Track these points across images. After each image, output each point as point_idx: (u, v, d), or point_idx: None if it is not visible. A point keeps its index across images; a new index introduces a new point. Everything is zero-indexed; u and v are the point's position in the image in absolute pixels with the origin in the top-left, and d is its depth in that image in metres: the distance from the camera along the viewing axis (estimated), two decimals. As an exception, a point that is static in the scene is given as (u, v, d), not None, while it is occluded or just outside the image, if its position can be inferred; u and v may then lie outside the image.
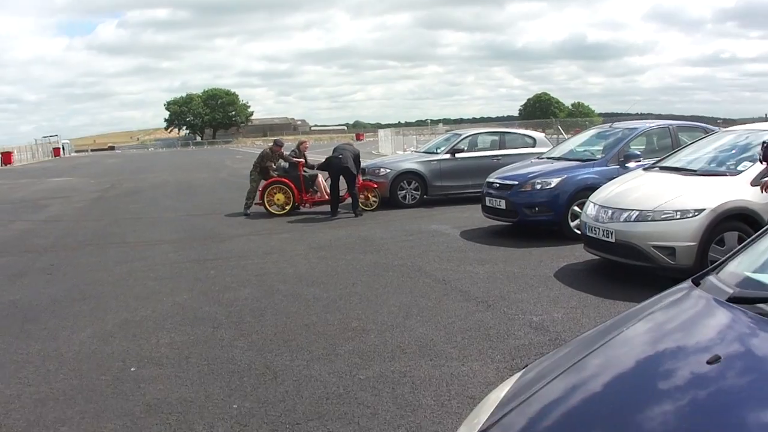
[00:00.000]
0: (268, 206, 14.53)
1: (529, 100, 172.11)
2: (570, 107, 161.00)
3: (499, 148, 15.66)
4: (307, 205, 14.86)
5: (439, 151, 15.96)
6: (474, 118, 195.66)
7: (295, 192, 14.61)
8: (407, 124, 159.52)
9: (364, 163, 15.77)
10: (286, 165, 15.01)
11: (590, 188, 10.02)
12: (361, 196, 14.59)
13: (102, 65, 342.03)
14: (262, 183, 14.90)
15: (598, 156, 10.91)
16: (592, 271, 8.19)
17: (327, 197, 14.72)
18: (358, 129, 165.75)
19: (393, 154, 26.04)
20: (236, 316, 6.63)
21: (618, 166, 10.26)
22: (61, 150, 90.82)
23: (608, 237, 7.53)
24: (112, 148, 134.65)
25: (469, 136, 16.28)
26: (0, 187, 30.23)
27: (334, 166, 13.91)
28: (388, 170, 15.25)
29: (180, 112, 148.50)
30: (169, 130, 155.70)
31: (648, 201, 7.38)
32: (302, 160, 14.97)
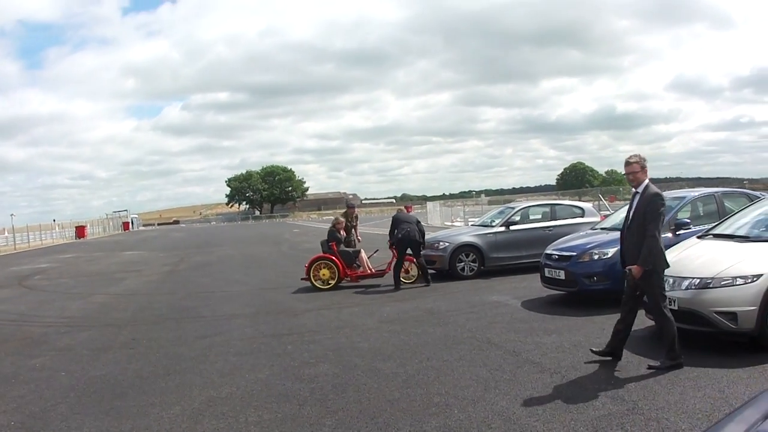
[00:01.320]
0: (314, 281, 14.47)
1: (565, 169, 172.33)
2: (604, 174, 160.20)
3: (551, 219, 15.58)
4: (349, 279, 14.76)
5: (494, 223, 15.86)
6: (514, 188, 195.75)
7: (340, 267, 14.54)
8: (451, 196, 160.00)
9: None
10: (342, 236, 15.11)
11: None
12: (402, 270, 14.44)
13: (167, 145, 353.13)
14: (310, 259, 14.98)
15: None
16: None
17: (370, 272, 14.80)
18: (406, 201, 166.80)
19: (451, 228, 25.93)
20: (319, 393, 6.47)
21: (670, 235, 10.15)
22: (130, 224, 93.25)
23: (671, 305, 7.33)
24: (176, 222, 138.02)
25: (522, 208, 16.22)
26: (77, 260, 30.98)
27: (404, 241, 13.96)
28: (447, 243, 15.15)
29: (240, 187, 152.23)
30: (230, 205, 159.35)
31: (707, 269, 7.32)
32: (337, 240, 14.92)
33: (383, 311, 11.18)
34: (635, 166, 6.76)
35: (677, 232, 10.21)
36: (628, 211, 6.96)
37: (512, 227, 15.29)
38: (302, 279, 14.84)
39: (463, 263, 14.91)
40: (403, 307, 11.53)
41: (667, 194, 11.70)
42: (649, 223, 6.57)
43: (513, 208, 16.40)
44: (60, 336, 10.55)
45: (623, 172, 7.04)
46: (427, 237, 15.62)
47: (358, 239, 15.97)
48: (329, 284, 14.41)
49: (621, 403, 5.66)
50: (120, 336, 10.27)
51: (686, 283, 7.34)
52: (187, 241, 47.47)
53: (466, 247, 15.00)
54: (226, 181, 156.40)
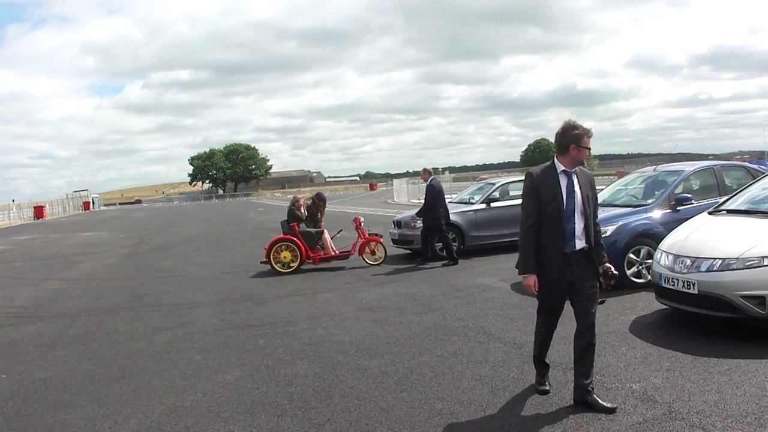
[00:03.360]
0: (274, 264, 13.52)
1: (529, 146, 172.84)
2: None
3: None
4: (312, 261, 13.83)
5: (473, 200, 15.02)
6: (477, 165, 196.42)
7: (302, 249, 13.59)
8: (416, 173, 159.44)
9: (397, 215, 14.86)
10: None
11: (645, 235, 9.44)
12: (367, 250, 13.81)
13: (129, 123, 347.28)
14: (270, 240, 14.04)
15: (649, 201, 9.97)
16: (667, 324, 7.32)
17: (334, 254, 13.94)
18: (370, 179, 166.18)
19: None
20: (300, 400, 5.53)
21: (670, 211, 9.58)
22: (91, 204, 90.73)
23: (689, 288, 6.71)
24: (138, 201, 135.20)
25: (502, 184, 15.46)
26: (33, 242, 29.44)
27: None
28: (425, 222, 14.22)
29: (203, 166, 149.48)
30: (192, 184, 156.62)
31: (730, 248, 6.58)
32: (297, 220, 13.94)
33: (361, 297, 10.25)
34: None
35: (677, 208, 9.53)
36: None
37: (493, 204, 14.49)
38: (262, 262, 13.87)
39: (441, 243, 13.99)
40: (381, 292, 10.62)
41: (662, 168, 11.03)
42: None
43: (493, 184, 15.59)
44: (5, 329, 9.42)
45: None
46: (403, 216, 14.80)
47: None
48: (291, 267, 13.47)
49: (654, 405, 4.87)
50: (71, 329, 9.18)
51: (706, 264, 6.60)
52: (149, 221, 45.90)
53: (445, 225, 14.07)
54: (188, 160, 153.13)
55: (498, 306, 8.83)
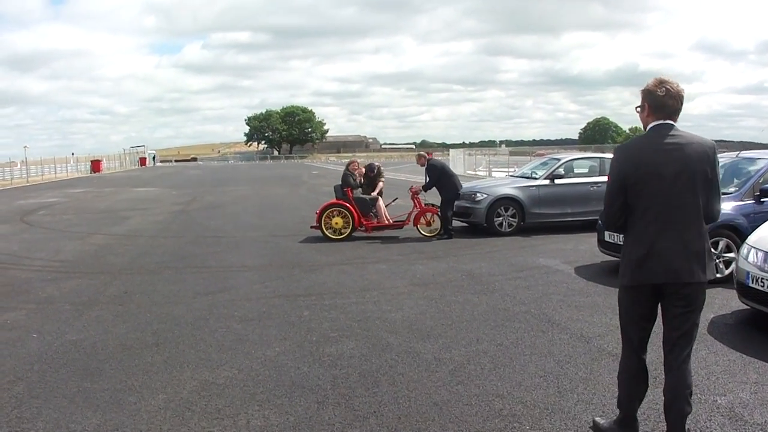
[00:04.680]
0: (325, 230, 13.04)
1: (588, 123, 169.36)
2: (627, 131, 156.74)
3: (599, 174, 13.85)
4: (364, 229, 13.31)
5: (536, 175, 14.23)
6: (534, 140, 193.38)
7: (355, 216, 13.07)
8: (471, 144, 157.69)
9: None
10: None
11: (724, 227, 8.45)
12: (422, 221, 13.31)
13: (187, 82, 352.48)
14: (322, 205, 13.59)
15: (730, 189, 9.06)
16: (750, 327, 6.59)
17: (387, 222, 13.44)
18: (425, 148, 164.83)
19: (487, 179, 24.21)
20: (344, 385, 5.01)
21: (753, 202, 8.73)
22: (148, 159, 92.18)
23: None
24: (194, 159, 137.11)
25: (568, 160, 14.56)
26: (86, 195, 29.75)
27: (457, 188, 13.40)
28: (485, 195, 13.58)
29: (259, 127, 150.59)
30: (248, 144, 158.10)
31: None
32: (352, 186, 13.38)
33: (415, 271, 9.69)
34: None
35: (762, 200, 8.67)
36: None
37: (557, 181, 13.70)
38: (312, 227, 13.43)
39: (501, 218, 13.40)
40: (437, 266, 10.03)
41: (747, 154, 10.10)
42: None
43: (558, 159, 14.75)
44: (44, 284, 9.19)
45: None
46: (462, 187, 14.13)
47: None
48: (342, 234, 12.99)
49: (744, 426, 4.20)
50: (111, 287, 8.88)
51: None
52: (203, 179, 46.17)
53: (506, 200, 13.47)
54: (245, 120, 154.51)
55: (562, 291, 8.16)
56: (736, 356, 5.59)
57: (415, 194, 13.44)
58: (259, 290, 8.51)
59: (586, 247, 11.16)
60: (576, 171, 14.34)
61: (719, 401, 4.60)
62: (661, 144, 3.59)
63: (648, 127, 3.70)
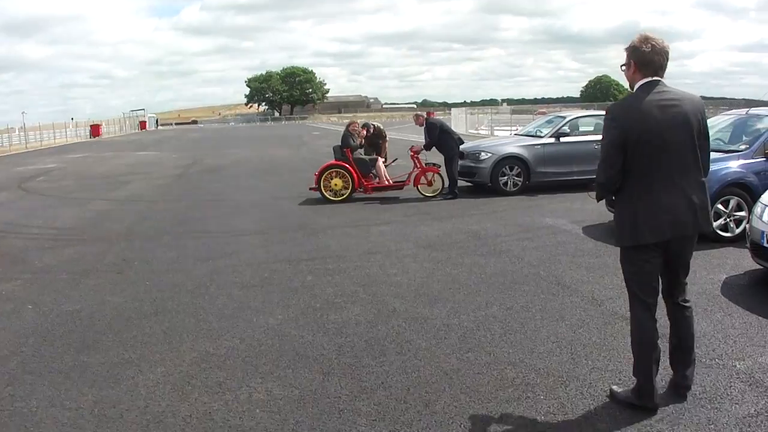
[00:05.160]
0: (324, 191, 12.83)
1: (590, 81, 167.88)
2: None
3: None
4: (363, 190, 13.09)
5: (541, 134, 13.92)
6: (535, 99, 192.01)
7: (355, 177, 12.83)
8: (473, 104, 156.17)
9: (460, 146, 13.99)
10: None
11: (735, 184, 8.28)
12: (423, 181, 13.11)
13: (186, 45, 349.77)
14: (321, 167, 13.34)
15: (741, 147, 8.77)
16: (765, 288, 6.37)
17: (387, 183, 13.21)
18: (427, 107, 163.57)
19: (491, 138, 23.87)
20: (350, 354, 4.82)
21: (764, 159, 8.45)
22: (147, 123, 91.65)
23: None
24: (194, 122, 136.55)
25: (573, 118, 14.26)
26: (85, 160, 29.49)
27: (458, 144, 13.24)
28: (489, 154, 13.33)
29: (260, 88, 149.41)
30: (249, 106, 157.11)
31: None
32: (351, 147, 13.12)
33: (420, 232, 9.47)
34: None
35: None
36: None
37: (562, 139, 13.40)
38: (311, 189, 13.24)
39: (506, 177, 13.16)
40: (442, 227, 9.81)
41: (758, 111, 9.75)
42: None
43: (563, 117, 14.38)
44: (42, 252, 9.00)
45: None
46: (466, 146, 13.86)
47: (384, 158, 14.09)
48: (342, 195, 12.81)
49: (764, 391, 4.00)
50: (109, 254, 8.68)
51: None
52: (203, 142, 45.82)
53: (511, 159, 13.23)
54: (245, 82, 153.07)
55: (571, 252, 7.94)
56: (752, 318, 5.38)
57: (415, 154, 13.17)
58: (261, 255, 8.30)
59: (593, 206, 10.84)
60: (581, 129, 14.01)
61: (738, 366, 4.39)
62: (658, 101, 3.58)
63: (636, 85, 3.69)
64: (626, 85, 3.83)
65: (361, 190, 13.05)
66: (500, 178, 13.12)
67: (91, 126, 65.10)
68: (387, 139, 14.52)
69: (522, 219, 10.32)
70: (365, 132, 13.79)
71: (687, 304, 3.91)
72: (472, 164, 13.38)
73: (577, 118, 14.40)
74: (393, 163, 14.04)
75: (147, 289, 6.87)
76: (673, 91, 3.64)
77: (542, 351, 4.76)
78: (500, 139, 17.37)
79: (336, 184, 12.83)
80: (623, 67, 3.76)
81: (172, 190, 16.14)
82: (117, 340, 5.31)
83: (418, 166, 13.17)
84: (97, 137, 62.05)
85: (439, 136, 13.06)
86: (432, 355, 4.74)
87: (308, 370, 4.54)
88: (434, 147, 13.19)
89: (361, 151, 13.30)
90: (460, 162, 13.43)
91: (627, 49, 3.72)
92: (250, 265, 7.76)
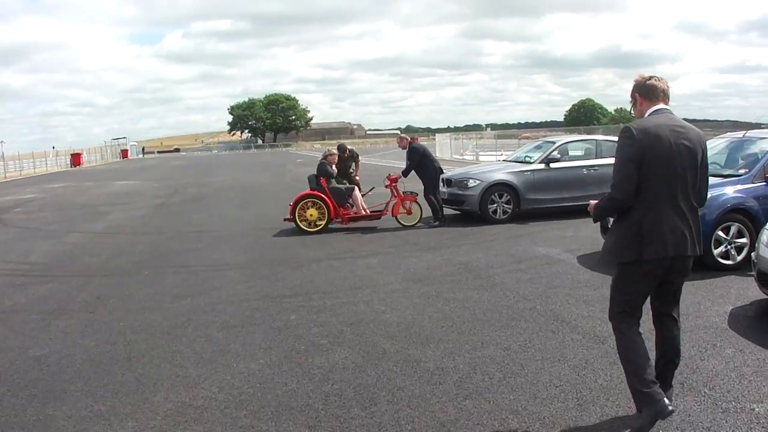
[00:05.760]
0: (299, 222, 12.48)
1: (573, 105, 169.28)
2: (613, 112, 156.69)
3: (595, 157, 13.43)
4: (340, 221, 12.75)
5: (531, 159, 13.70)
6: (519, 123, 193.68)
7: (331, 207, 12.50)
8: (457, 129, 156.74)
9: (447, 173, 13.76)
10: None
11: (735, 210, 8.04)
12: (401, 210, 12.77)
13: (169, 72, 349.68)
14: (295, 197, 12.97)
15: (741, 171, 8.58)
16: None
17: (364, 213, 12.86)
18: (411, 133, 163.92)
19: (480, 164, 23.65)
20: (337, 404, 4.46)
21: (765, 184, 8.19)
22: (129, 151, 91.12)
23: None
24: (177, 150, 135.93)
25: (562, 143, 14.03)
26: (65, 190, 28.98)
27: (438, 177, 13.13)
28: (478, 181, 13.05)
29: (242, 116, 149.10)
30: (231, 133, 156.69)
31: None
32: (327, 175, 12.84)
33: (408, 265, 9.15)
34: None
35: None
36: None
37: (552, 165, 13.16)
38: (286, 220, 12.86)
39: (495, 205, 12.87)
40: (430, 259, 9.49)
41: (754, 134, 9.59)
42: None
43: (553, 142, 14.15)
44: (12, 290, 8.58)
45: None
46: (453, 173, 13.64)
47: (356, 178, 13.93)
48: (317, 226, 12.44)
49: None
50: (83, 292, 8.27)
51: None
52: (185, 170, 45.37)
53: (500, 186, 12.95)
54: (228, 109, 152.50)
55: (567, 284, 7.64)
56: (765, 354, 5.09)
57: (392, 183, 12.88)
58: (242, 291, 7.94)
59: (586, 234, 10.66)
60: (571, 154, 13.83)
61: (757, 409, 4.10)
62: (670, 126, 3.75)
63: (647, 113, 3.88)
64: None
65: (338, 220, 12.72)
66: (489, 206, 12.84)
67: (71, 155, 64.42)
68: (359, 160, 14.32)
69: (514, 249, 10.03)
70: (344, 154, 13.57)
71: (678, 319, 4.04)
72: (460, 192, 13.12)
73: (567, 143, 14.20)
74: (370, 193, 13.72)
75: (121, 330, 6.48)
76: (678, 119, 3.83)
77: (545, 396, 4.43)
78: (488, 165, 17.12)
79: (311, 215, 12.49)
80: (632, 110, 4.05)
81: (152, 221, 15.74)
82: (86, 390, 4.93)
83: (396, 194, 12.87)
84: (77, 166, 61.39)
85: (420, 162, 12.87)
86: (426, 404, 4.39)
87: (293, 423, 4.18)
88: (414, 172, 12.97)
89: (335, 181, 12.93)
90: (447, 190, 13.20)
91: (631, 92, 4.00)
92: (231, 302, 7.40)
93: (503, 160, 16.32)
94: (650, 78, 3.91)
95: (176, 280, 8.71)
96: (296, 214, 12.51)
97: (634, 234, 3.72)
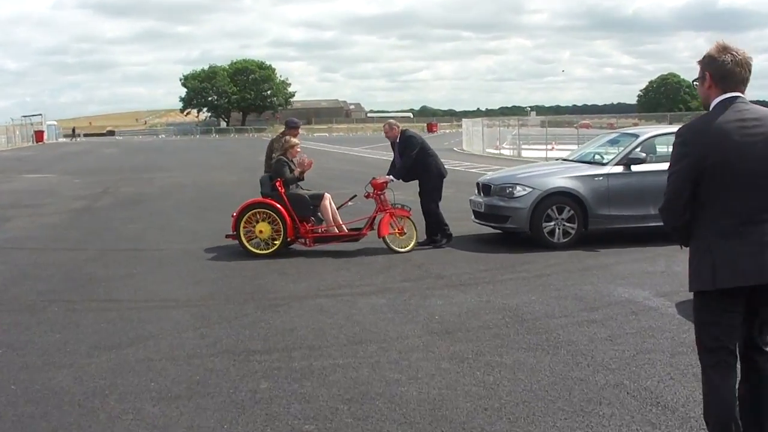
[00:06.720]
0: (245, 241, 12.19)
1: (651, 83, 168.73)
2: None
3: None
4: (303, 241, 12.40)
5: (603, 160, 13.34)
6: (575, 106, 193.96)
7: (288, 221, 12.05)
8: (489, 113, 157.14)
9: (485, 176, 13.41)
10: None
11: None
12: (390, 229, 12.34)
13: (101, 28, 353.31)
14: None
15: None
16: None
17: (338, 231, 12.49)
18: (427, 117, 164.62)
19: (529, 165, 23.27)
20: None
21: None
22: (46, 133, 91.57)
23: None
24: (111, 133, 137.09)
25: (648, 137, 13.64)
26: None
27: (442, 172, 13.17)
28: (529, 189, 12.72)
29: (200, 89, 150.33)
30: (185, 113, 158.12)
31: None
32: (284, 177, 12.38)
33: (430, 308, 8.72)
34: None
35: None
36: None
37: (634, 167, 12.80)
38: (227, 236, 12.61)
39: (553, 222, 12.55)
40: (463, 301, 9.08)
41: None
42: None
43: (635, 135, 13.80)
44: None
45: None
46: (493, 176, 13.28)
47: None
48: (270, 247, 12.14)
49: None
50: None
51: None
52: (121, 160, 45.67)
53: (560, 196, 12.65)
54: (181, 80, 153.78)
55: (667, 347, 7.13)
56: None
57: (379, 190, 12.42)
58: (192, 342, 7.54)
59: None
60: (660, 152, 13.46)
61: None
62: (738, 121, 3.85)
63: (712, 103, 3.99)
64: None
65: (301, 240, 12.38)
66: (545, 224, 12.53)
67: (-34, 137, 64.56)
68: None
69: (582, 288, 9.62)
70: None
71: None
72: (503, 204, 12.83)
73: (655, 136, 13.83)
74: (350, 203, 13.24)
75: (9, 402, 6.00)
76: (753, 110, 3.93)
77: None
78: (541, 166, 16.64)
79: (262, 231, 12.10)
80: (696, 83, 4.16)
81: (69, 233, 15.59)
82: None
83: (383, 207, 12.49)
84: (-26, 152, 61.45)
85: (419, 158, 12.72)
86: None
87: None
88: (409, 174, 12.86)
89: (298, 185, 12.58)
90: (484, 200, 12.89)
91: (700, 62, 4.08)
92: (175, 359, 6.98)
93: (563, 159, 15.87)
94: (733, 56, 3.93)
95: (99, 322, 8.35)
96: (241, 230, 12.14)
97: (706, 258, 3.94)
